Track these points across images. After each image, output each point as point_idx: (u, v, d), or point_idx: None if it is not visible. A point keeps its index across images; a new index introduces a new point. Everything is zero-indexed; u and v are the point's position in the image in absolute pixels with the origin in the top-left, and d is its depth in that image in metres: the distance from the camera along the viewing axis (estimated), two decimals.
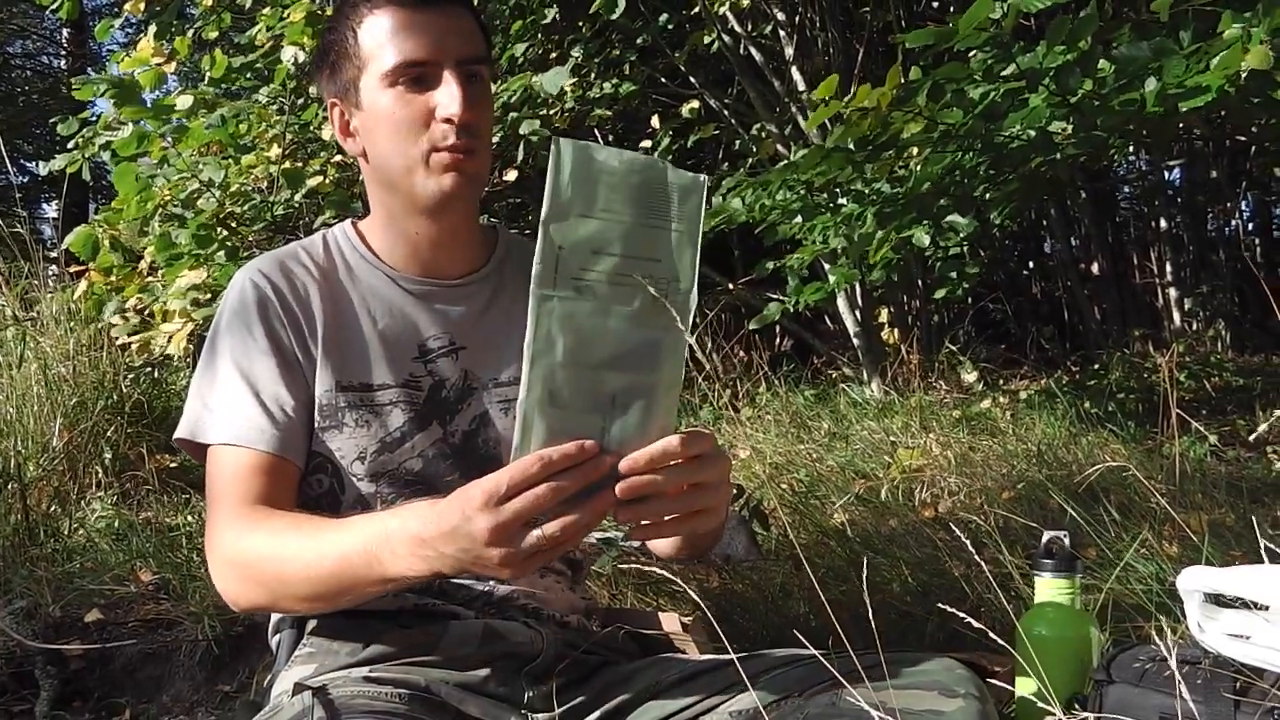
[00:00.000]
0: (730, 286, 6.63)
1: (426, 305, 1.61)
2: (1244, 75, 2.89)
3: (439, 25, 1.53)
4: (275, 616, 1.62)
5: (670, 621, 1.65)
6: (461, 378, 1.59)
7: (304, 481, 1.52)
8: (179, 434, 1.54)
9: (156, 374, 4.80)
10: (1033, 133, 3.36)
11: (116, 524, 3.58)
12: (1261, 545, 1.49)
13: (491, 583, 1.57)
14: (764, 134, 6.29)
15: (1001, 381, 6.18)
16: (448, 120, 1.49)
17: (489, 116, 1.57)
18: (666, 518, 1.25)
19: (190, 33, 5.73)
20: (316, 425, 1.53)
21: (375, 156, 1.57)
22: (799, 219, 4.40)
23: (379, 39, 1.52)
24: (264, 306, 1.53)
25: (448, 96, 1.49)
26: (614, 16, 5.39)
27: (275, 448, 1.48)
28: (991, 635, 1.36)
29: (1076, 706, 1.37)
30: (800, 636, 1.43)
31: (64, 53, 17.90)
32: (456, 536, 1.21)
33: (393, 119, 1.51)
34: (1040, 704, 1.34)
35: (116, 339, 4.62)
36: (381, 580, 1.33)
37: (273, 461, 1.48)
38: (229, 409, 1.50)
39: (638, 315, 1.20)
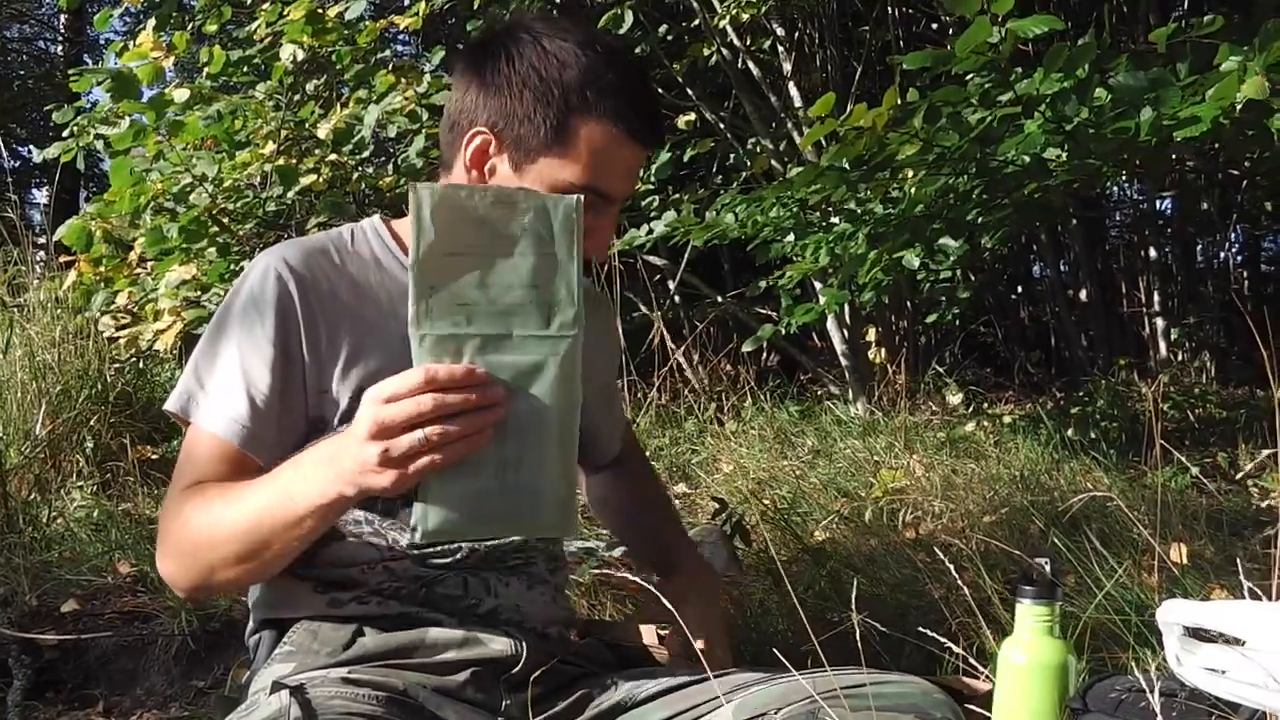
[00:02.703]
0: (719, 300, 6.63)
1: None
2: (1239, 107, 2.90)
3: (639, 164, 1.54)
4: (254, 617, 1.61)
5: (648, 634, 1.65)
6: None
7: None
8: (170, 406, 1.54)
9: (141, 365, 4.79)
10: (1027, 158, 3.37)
11: (96, 514, 3.57)
12: (1243, 582, 1.49)
13: (476, 596, 1.57)
14: (759, 149, 6.30)
15: (986, 405, 6.19)
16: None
17: None
18: None
19: (189, 27, 5.72)
20: (337, 427, 1.50)
21: None
22: (791, 237, 4.40)
23: (592, 150, 1.47)
24: (282, 301, 1.50)
25: (603, 242, 1.52)
26: (621, 31, 5.41)
27: (244, 444, 1.48)
28: (970, 659, 1.37)
29: None
30: (779, 654, 1.44)
31: (61, 39, 17.87)
32: (347, 441, 1.26)
33: None
34: None
35: (104, 332, 4.61)
36: (296, 517, 1.35)
37: (240, 456, 1.48)
38: (219, 395, 1.49)
39: (523, 341, 1.24)
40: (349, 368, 1.51)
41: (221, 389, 1.50)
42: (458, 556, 1.56)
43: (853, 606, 1.46)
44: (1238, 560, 1.69)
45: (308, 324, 1.51)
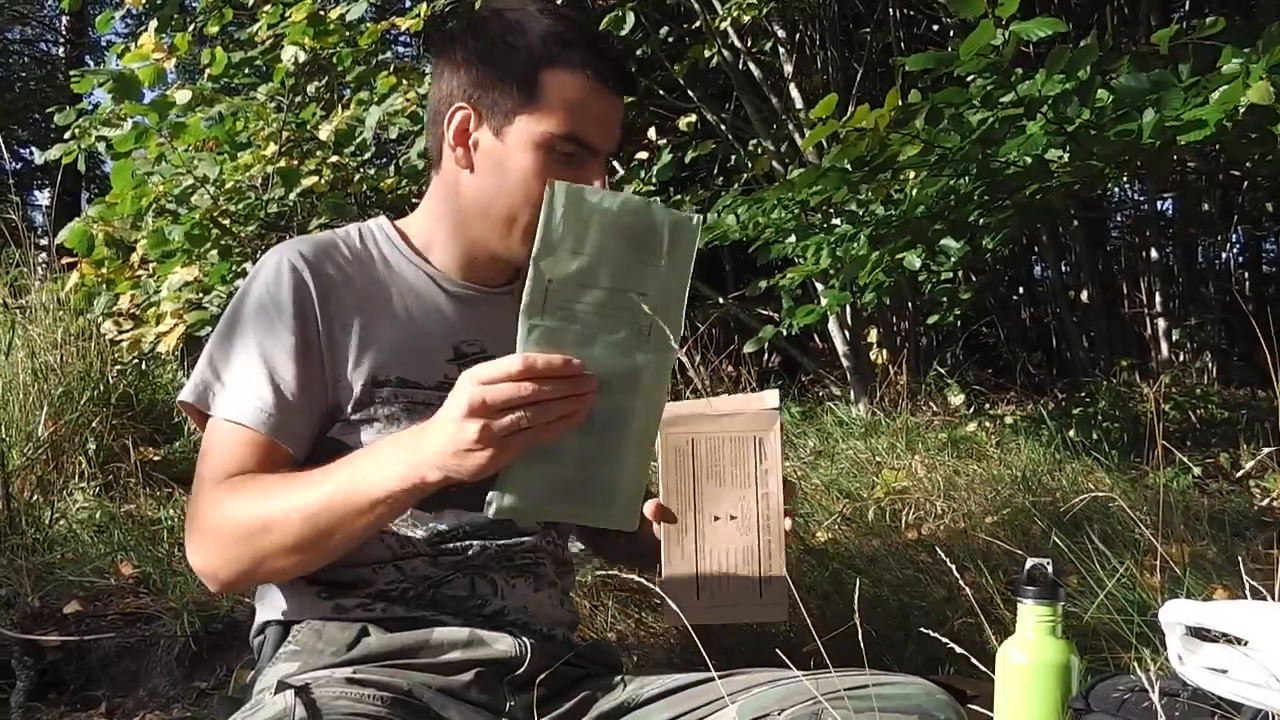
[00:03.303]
0: (721, 301, 6.64)
1: (465, 308, 1.61)
2: (1242, 110, 2.91)
3: (615, 114, 1.54)
4: (259, 618, 1.61)
5: (770, 398, 1.56)
6: None
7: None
8: (185, 397, 1.52)
9: (144, 367, 4.79)
10: (1029, 160, 3.37)
11: (98, 516, 3.57)
12: (1246, 581, 1.49)
13: (482, 596, 1.57)
14: (760, 150, 6.30)
15: (988, 406, 6.19)
16: None
17: None
18: None
19: (191, 28, 5.72)
20: (349, 418, 1.52)
21: (482, 189, 1.55)
22: (792, 238, 4.40)
23: (564, 99, 1.49)
24: (298, 289, 1.51)
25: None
26: (623, 33, 5.41)
27: (274, 432, 1.47)
28: (972, 660, 1.37)
29: None
30: (781, 655, 1.44)
31: (62, 40, 17.86)
32: (439, 421, 1.26)
33: (526, 179, 1.50)
34: None
35: (106, 335, 4.61)
36: (369, 502, 1.34)
37: (270, 444, 1.47)
38: (241, 386, 1.49)
39: (622, 344, 1.26)
40: (361, 356, 1.52)
41: (245, 380, 1.49)
42: (469, 554, 1.56)
43: (855, 606, 1.46)
44: (1240, 560, 1.69)
45: (324, 313, 1.52)
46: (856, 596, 1.51)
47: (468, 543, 1.57)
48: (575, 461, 1.28)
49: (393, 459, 1.32)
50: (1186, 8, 8.33)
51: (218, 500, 1.45)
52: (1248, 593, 1.46)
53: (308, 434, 1.51)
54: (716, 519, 1.50)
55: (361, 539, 1.42)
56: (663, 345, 1.29)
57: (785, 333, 4.82)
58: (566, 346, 1.24)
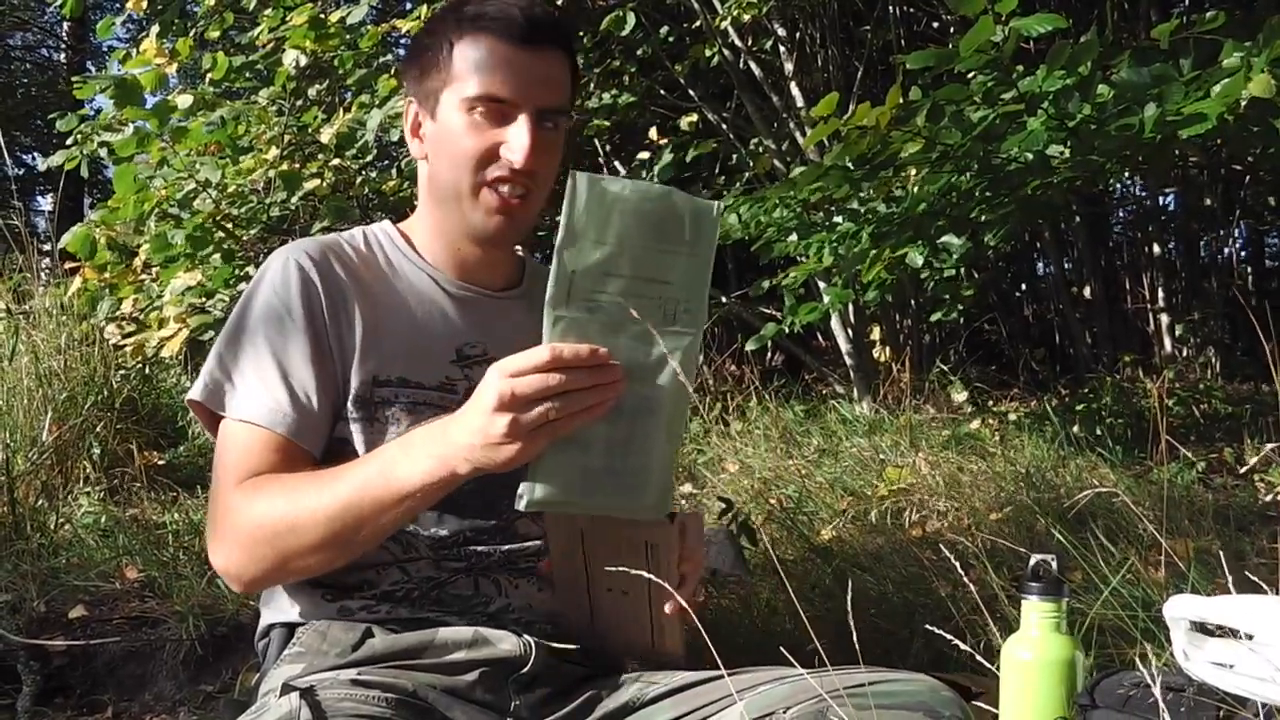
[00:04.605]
0: (724, 300, 6.63)
1: (467, 311, 1.63)
2: (1244, 104, 2.90)
3: (531, 69, 1.53)
4: (263, 620, 1.61)
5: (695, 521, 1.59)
6: None
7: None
8: (194, 396, 1.53)
9: (148, 371, 4.79)
10: (1030, 156, 3.36)
11: (103, 520, 3.57)
12: (1251, 576, 1.49)
13: (486, 595, 1.57)
14: (761, 149, 6.29)
15: (991, 403, 6.17)
16: (509, 164, 1.51)
17: (553, 165, 1.59)
18: None
19: (192, 33, 5.73)
20: (350, 415, 1.52)
21: (435, 170, 1.59)
22: (794, 236, 4.40)
23: (471, 63, 1.52)
24: (306, 289, 1.52)
25: (517, 143, 1.50)
26: (624, 33, 5.41)
27: (293, 433, 1.48)
28: (977, 656, 1.37)
29: None
30: (786, 653, 1.44)
31: (64, 46, 17.86)
32: (468, 414, 1.27)
33: (460, 144, 1.52)
34: None
35: (109, 339, 4.62)
36: (397, 497, 1.34)
37: (289, 445, 1.47)
38: (254, 386, 1.49)
39: (646, 333, 1.26)
40: (365, 354, 1.53)
41: (258, 382, 1.49)
42: (473, 559, 1.57)
43: (848, 605, 1.46)
44: (1245, 555, 1.69)
45: (331, 312, 1.53)
46: (849, 595, 1.52)
47: (471, 547, 1.57)
48: (604, 451, 1.29)
49: (422, 452, 1.32)
50: (1187, 2, 8.32)
51: (240, 502, 1.44)
52: (1252, 587, 1.46)
53: (324, 433, 1.52)
54: (609, 590, 1.52)
55: (389, 533, 1.42)
56: (688, 332, 1.30)
57: (788, 331, 4.81)
58: (592, 336, 1.25)
